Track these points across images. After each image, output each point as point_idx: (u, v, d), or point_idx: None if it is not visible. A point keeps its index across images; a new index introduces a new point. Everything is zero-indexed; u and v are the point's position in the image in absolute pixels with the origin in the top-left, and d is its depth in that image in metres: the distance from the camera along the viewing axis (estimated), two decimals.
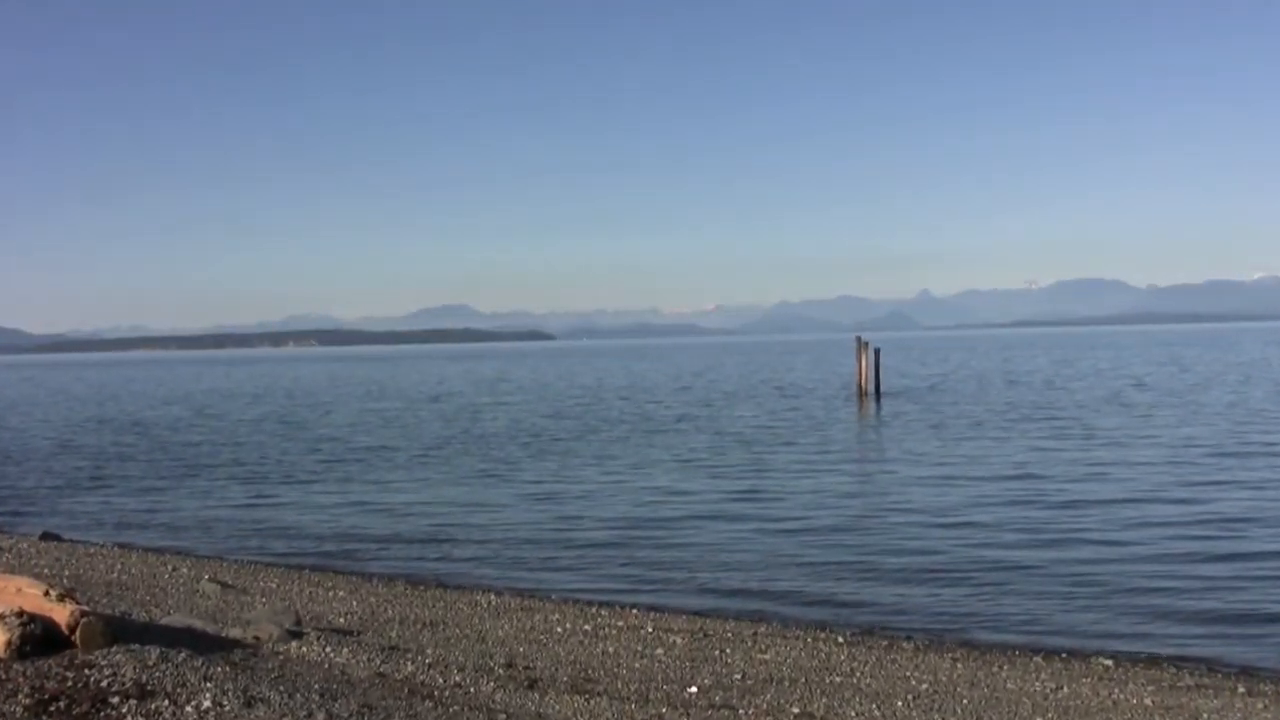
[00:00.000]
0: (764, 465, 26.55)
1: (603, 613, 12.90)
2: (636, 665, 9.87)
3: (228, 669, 7.05)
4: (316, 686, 7.05)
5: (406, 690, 7.63)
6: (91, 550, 16.96)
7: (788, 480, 23.87)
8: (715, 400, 51.82)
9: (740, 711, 8.16)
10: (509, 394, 62.77)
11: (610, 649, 10.57)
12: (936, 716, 8.38)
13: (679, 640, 11.15)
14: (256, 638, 9.05)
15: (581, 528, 18.98)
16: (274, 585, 14.23)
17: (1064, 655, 11.19)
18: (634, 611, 13.09)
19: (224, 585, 13.42)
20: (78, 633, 6.97)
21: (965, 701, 8.90)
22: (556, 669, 9.44)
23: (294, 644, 9.06)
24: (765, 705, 8.41)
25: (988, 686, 9.55)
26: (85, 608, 7.27)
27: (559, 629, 11.65)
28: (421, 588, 14.70)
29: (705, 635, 11.51)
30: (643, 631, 11.65)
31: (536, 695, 8.16)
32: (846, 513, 19.64)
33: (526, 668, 9.37)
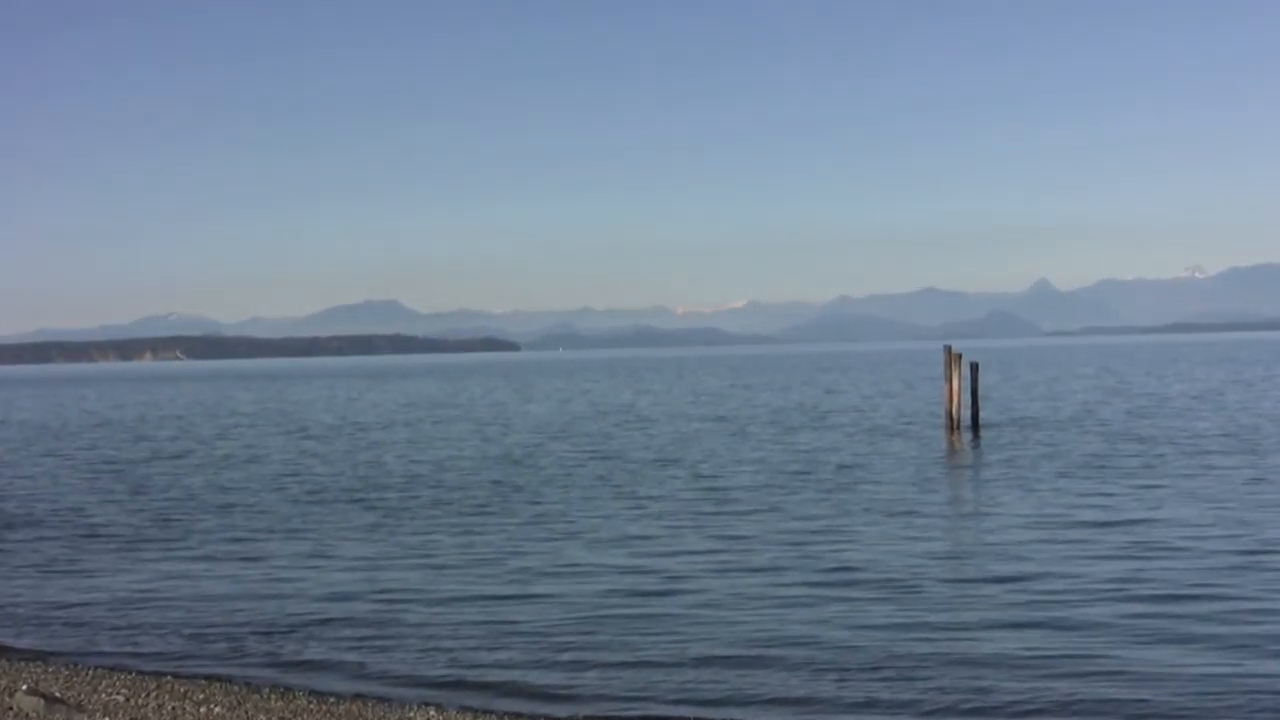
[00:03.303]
0: (798, 525, 26.55)
1: None
2: None
3: None
4: None
5: None
6: None
7: (839, 544, 23.86)
8: (726, 432, 51.98)
9: None
10: (440, 423, 62.67)
11: None
12: None
13: None
14: None
15: (556, 612, 18.97)
16: (121, 698, 14.21)
17: None
18: None
19: (49, 699, 13.39)
20: None
21: None
22: None
23: None
24: None
25: None
26: None
27: None
28: (332, 701, 14.68)
29: None
30: None
31: None
32: (929, 595, 19.65)
33: None
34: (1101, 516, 26.93)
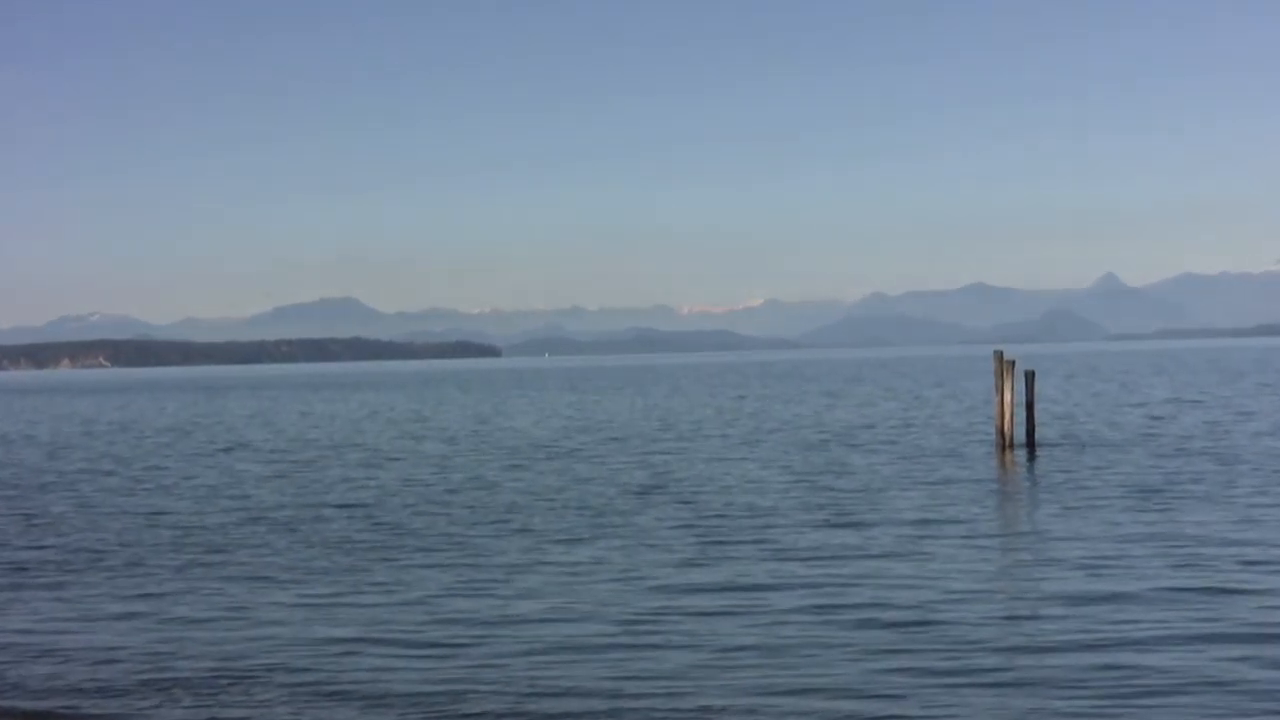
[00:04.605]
0: (814, 557, 26.51)
1: None
2: None
3: None
4: None
5: None
6: None
7: (866, 580, 23.83)
8: (733, 449, 52.11)
9: None
10: (399, 439, 62.79)
11: None
12: None
13: None
14: None
15: (518, 656, 18.88)
16: None
17: None
18: None
19: None
20: None
21: None
22: None
23: None
24: None
25: None
26: None
27: None
28: None
29: None
30: None
31: None
32: (965, 636, 19.58)
33: None
34: (1172, 548, 26.91)
